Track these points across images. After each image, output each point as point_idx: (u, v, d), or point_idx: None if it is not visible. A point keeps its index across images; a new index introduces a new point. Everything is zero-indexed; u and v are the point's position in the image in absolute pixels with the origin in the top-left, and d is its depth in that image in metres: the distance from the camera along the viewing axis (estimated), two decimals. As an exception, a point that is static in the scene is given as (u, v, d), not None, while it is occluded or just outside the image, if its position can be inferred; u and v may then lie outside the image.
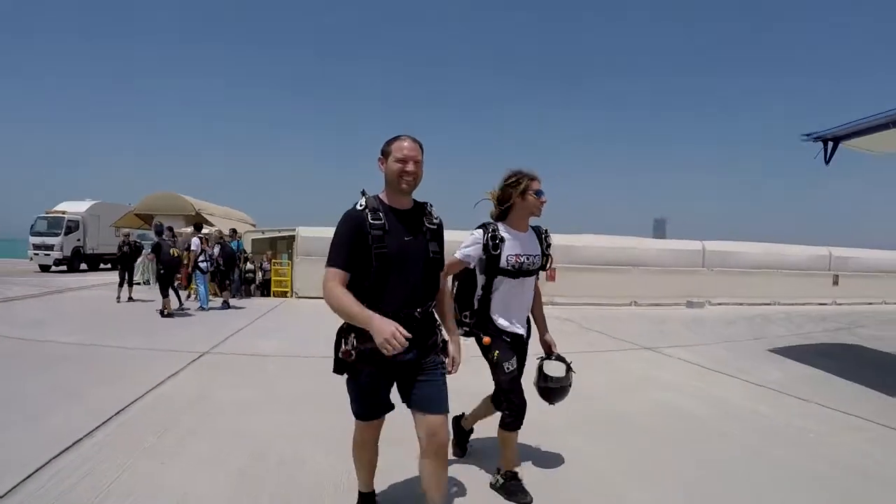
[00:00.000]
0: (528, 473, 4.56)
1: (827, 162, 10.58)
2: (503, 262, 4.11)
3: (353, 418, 3.42)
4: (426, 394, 3.29)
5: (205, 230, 17.52)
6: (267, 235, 23.92)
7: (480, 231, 4.17)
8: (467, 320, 4.33)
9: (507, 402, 4.19)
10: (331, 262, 3.16)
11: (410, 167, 3.26)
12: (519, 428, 4.22)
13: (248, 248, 22.13)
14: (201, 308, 15.39)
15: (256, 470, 4.58)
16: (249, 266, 20.44)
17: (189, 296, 17.62)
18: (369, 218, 3.19)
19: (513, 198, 4.17)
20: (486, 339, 4.20)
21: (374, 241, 3.16)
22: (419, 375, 3.31)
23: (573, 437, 5.48)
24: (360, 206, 3.26)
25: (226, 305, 16.10)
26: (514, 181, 4.19)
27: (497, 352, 4.18)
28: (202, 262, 15.75)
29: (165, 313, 13.68)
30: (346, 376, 3.36)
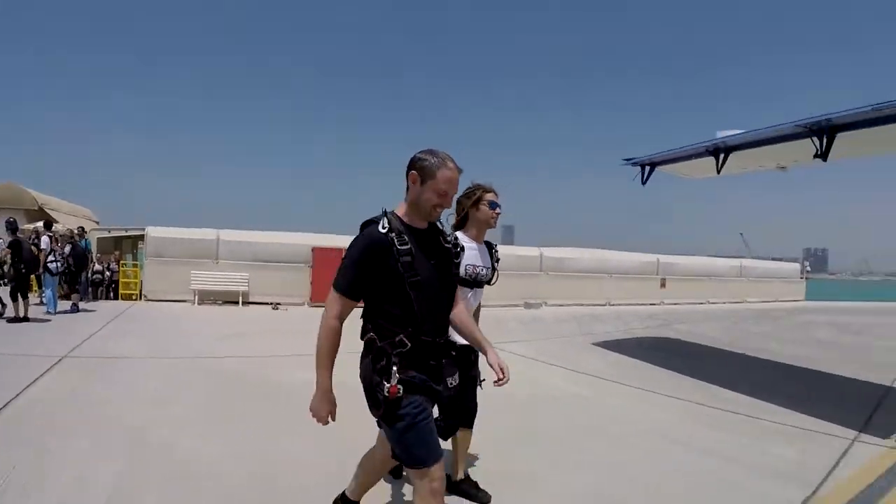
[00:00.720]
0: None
1: (643, 183, 12.18)
2: (462, 272, 4.03)
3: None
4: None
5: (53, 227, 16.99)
6: (113, 234, 23.49)
7: None
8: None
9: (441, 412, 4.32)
10: (335, 286, 3.01)
11: (448, 202, 3.10)
12: None
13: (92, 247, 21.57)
14: (48, 312, 14.63)
15: (140, 455, 5.08)
16: (98, 267, 19.81)
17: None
18: (396, 243, 2.94)
19: (467, 208, 4.35)
20: None
21: (406, 269, 2.94)
22: (442, 406, 3.23)
23: None
24: (384, 227, 2.97)
25: (75, 308, 15.52)
26: (469, 192, 4.37)
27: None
28: (51, 262, 14.77)
29: (21, 317, 12.97)
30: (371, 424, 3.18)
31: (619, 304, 24.90)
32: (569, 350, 12.13)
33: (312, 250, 20.35)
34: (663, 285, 27.61)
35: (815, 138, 8.98)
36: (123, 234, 23.01)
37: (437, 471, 2.97)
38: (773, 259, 52.37)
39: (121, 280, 20.30)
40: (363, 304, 3.29)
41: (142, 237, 20.53)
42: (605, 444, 6.15)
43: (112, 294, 20.11)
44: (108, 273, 20.15)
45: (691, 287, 28.97)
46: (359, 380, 3.09)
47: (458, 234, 4.25)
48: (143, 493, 4.36)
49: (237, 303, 19.02)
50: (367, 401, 3.08)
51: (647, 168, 12.28)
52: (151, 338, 11.88)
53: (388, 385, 2.89)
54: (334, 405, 3.08)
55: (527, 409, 7.38)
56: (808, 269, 41.70)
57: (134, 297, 19.86)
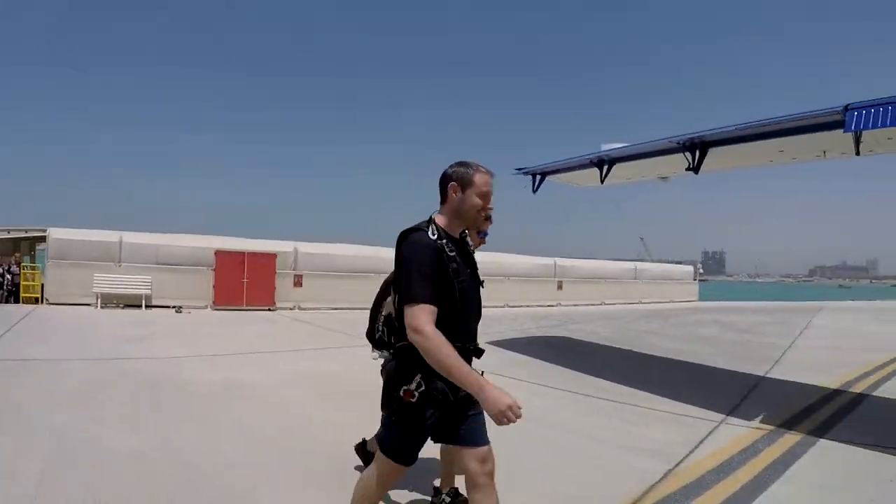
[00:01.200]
0: (287, 438, 6.11)
1: (534, 191, 13.14)
2: None
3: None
4: (475, 427, 3.25)
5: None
6: (12, 235, 23.06)
7: None
8: (387, 338, 4.30)
9: None
10: (419, 298, 2.97)
11: (489, 204, 3.29)
12: None
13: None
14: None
15: (65, 450, 5.36)
16: (-1, 270, 19.44)
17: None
18: (446, 249, 3.09)
19: None
20: None
21: (455, 275, 3.07)
22: (468, 409, 3.22)
23: (321, 410, 7.31)
24: (433, 234, 3.12)
25: (-25, 313, 15.01)
26: None
27: None
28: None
29: None
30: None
31: (517, 306, 26.10)
32: (464, 350, 12.70)
33: (215, 253, 20.57)
34: (560, 287, 29.01)
35: (687, 153, 10.01)
36: (23, 235, 22.47)
37: (400, 471, 3.27)
38: (673, 262, 54.87)
39: (22, 283, 20.06)
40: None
41: (41, 239, 20.25)
42: (492, 431, 6.82)
43: (12, 298, 19.88)
44: (9, 276, 20.00)
45: (588, 289, 30.95)
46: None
47: None
48: (70, 485, 4.59)
49: (140, 306, 19.03)
50: (383, 398, 3.23)
51: (538, 177, 13.20)
52: (60, 340, 12.11)
53: (404, 388, 3.05)
54: (510, 395, 2.95)
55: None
56: (702, 271, 44.06)
57: (35, 301, 19.62)
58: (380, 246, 24.29)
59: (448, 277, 3.04)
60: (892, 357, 13.42)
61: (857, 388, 9.75)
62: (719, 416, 7.68)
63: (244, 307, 20.17)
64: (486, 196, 3.23)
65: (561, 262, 30.23)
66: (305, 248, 22.77)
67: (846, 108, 7.15)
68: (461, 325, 3.17)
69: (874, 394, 9.43)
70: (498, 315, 21.57)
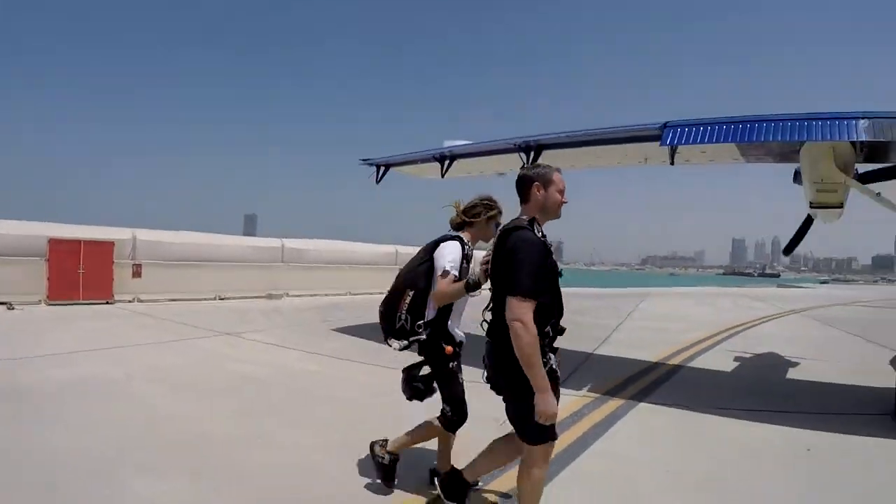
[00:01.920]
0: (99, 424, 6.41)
1: (378, 182, 13.75)
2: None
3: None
4: None
5: None
6: None
7: (457, 243, 4.46)
8: (421, 331, 4.46)
9: (460, 409, 4.68)
10: (529, 293, 3.36)
11: (566, 198, 3.74)
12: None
13: None
14: None
15: None
16: None
17: None
18: (548, 244, 3.57)
19: (480, 217, 4.56)
20: (449, 349, 4.48)
21: (555, 268, 3.59)
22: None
23: (172, 401, 7.44)
24: (538, 232, 3.58)
25: None
26: (489, 205, 4.60)
27: (455, 363, 4.58)
28: None
29: None
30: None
31: (360, 294, 25.66)
32: (306, 335, 13.25)
33: (49, 241, 18.59)
34: (409, 273, 29.33)
35: (522, 154, 10.86)
36: None
37: (552, 441, 3.72)
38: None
39: None
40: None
41: None
42: (328, 406, 7.42)
43: None
44: None
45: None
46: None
47: (464, 236, 4.60)
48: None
49: (-38, 304, 17.25)
50: (511, 389, 3.67)
51: (382, 168, 13.81)
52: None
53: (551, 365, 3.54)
54: (557, 407, 3.47)
55: (263, 385, 8.49)
56: (538, 258, 45.66)
57: None
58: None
59: (551, 269, 3.53)
60: (706, 335, 15.54)
61: (673, 362, 11.38)
62: (549, 387, 8.44)
63: (81, 301, 18.73)
64: (563, 192, 3.71)
65: (402, 249, 29.77)
66: (144, 235, 21.32)
67: (664, 125, 8.37)
68: (559, 308, 3.67)
69: (688, 365, 11.13)
70: (341, 303, 21.66)
